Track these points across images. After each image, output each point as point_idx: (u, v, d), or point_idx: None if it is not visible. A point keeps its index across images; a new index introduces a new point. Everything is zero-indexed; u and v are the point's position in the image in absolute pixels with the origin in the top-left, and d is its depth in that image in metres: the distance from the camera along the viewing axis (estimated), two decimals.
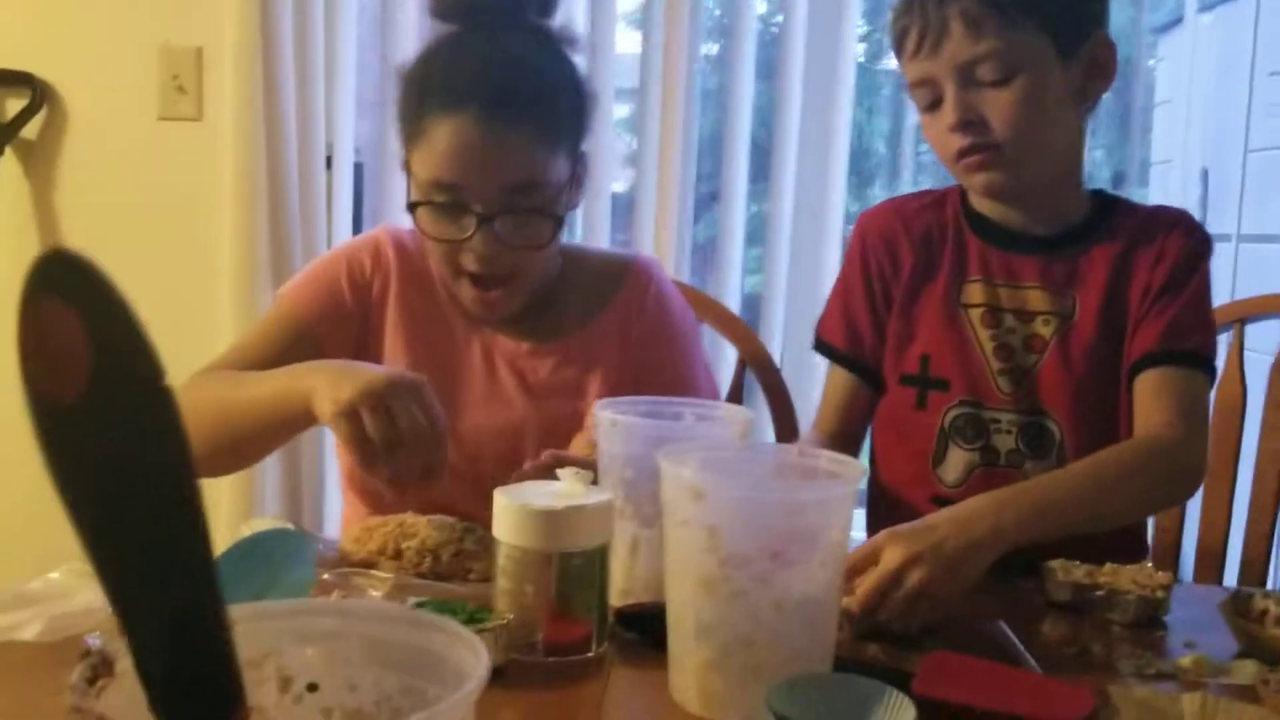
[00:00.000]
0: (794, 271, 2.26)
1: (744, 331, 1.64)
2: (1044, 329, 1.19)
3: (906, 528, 0.94)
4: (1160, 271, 1.17)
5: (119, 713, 0.39)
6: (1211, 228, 2.35)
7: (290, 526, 0.99)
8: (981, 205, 1.24)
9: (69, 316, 0.33)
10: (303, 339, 1.23)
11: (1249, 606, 0.93)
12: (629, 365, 1.27)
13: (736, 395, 1.58)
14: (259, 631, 0.45)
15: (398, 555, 1.01)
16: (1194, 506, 1.58)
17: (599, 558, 0.86)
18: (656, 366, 1.27)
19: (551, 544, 0.84)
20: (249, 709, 0.38)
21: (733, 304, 2.22)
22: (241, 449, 1.18)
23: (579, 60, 1.26)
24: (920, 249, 1.25)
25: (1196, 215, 2.46)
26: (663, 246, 2.16)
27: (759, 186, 2.34)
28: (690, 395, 1.23)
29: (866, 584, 0.90)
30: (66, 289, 0.34)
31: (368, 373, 1.01)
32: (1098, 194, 1.25)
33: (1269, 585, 1.51)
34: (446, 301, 1.28)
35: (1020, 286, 1.21)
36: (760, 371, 1.57)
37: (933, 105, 1.15)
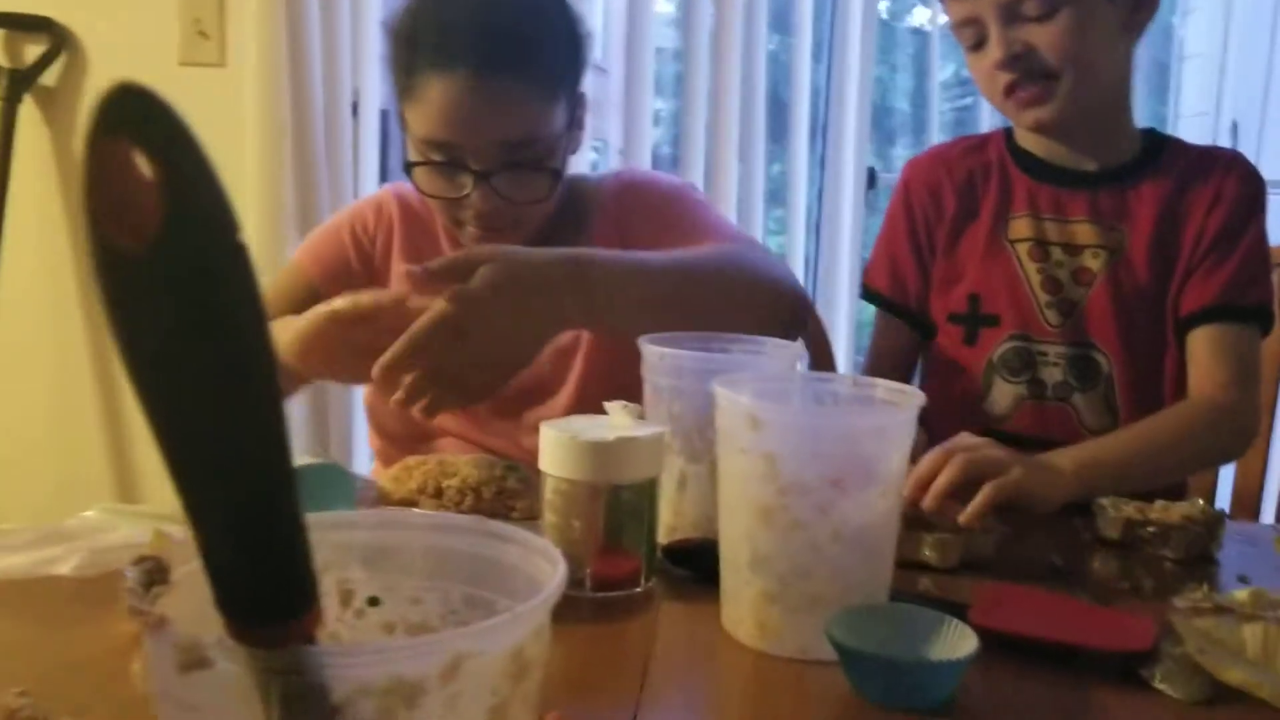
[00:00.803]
0: (818, 230, 2.25)
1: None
2: (1093, 262, 1.19)
3: None
4: (1217, 216, 1.16)
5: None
6: None
7: (333, 461, 0.98)
8: (1028, 142, 1.24)
9: (139, 159, 0.31)
10: (312, 300, 1.20)
11: None
12: (610, 234, 1.23)
13: None
14: (318, 543, 0.42)
15: (438, 494, 0.99)
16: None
17: (649, 491, 0.84)
18: (659, 229, 1.20)
19: (601, 476, 0.82)
20: (321, 612, 0.36)
21: None
22: None
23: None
24: (963, 190, 1.25)
25: None
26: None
27: (778, 146, 2.31)
28: (711, 239, 1.19)
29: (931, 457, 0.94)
30: (138, 130, 0.31)
31: None
32: (1148, 132, 1.24)
33: None
34: (450, 250, 1.26)
35: (1069, 221, 1.20)
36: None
37: (978, 44, 1.15)
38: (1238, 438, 1.15)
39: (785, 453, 0.74)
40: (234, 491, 0.33)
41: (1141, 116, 2.84)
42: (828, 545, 0.74)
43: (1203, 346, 1.14)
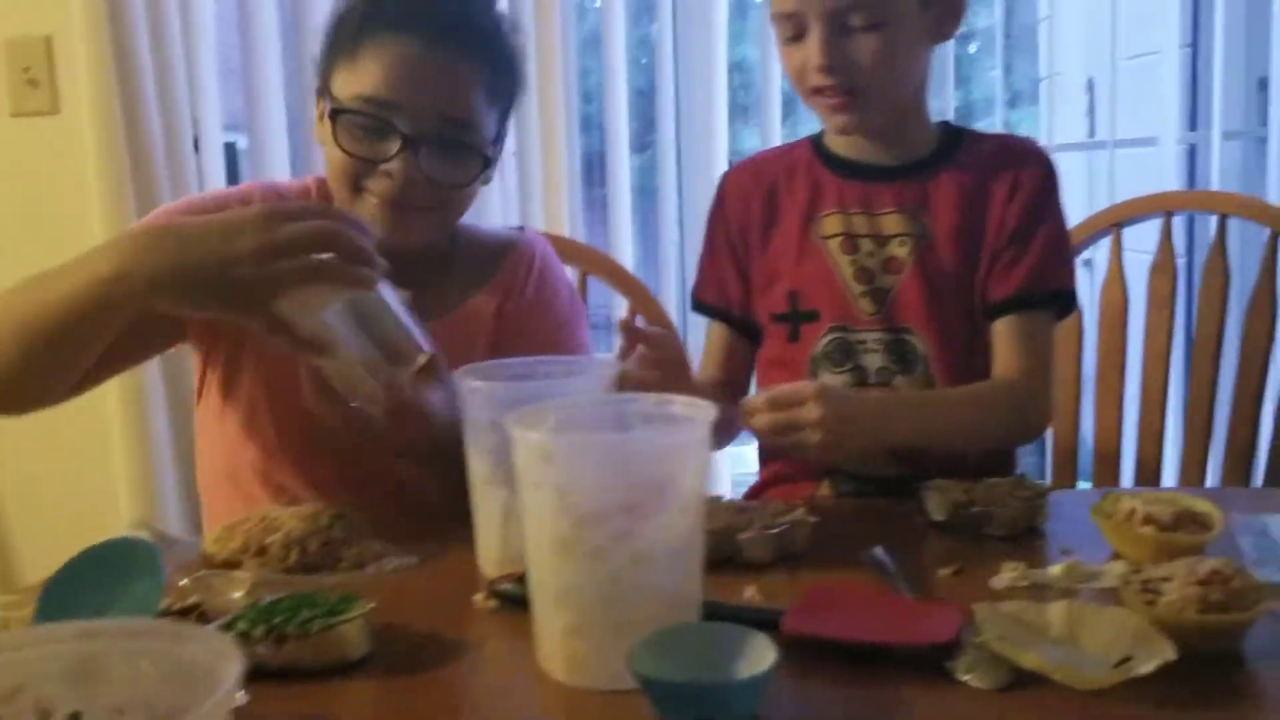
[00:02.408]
0: (686, 221, 2.25)
1: (635, 284, 1.62)
2: (900, 250, 1.22)
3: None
4: (1016, 206, 1.20)
5: None
6: (1098, 136, 2.38)
7: (142, 534, 0.95)
8: (833, 142, 1.28)
9: None
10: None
11: (1117, 507, 0.94)
12: (503, 344, 1.22)
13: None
14: (11, 663, 0.41)
15: (262, 552, 0.97)
16: (1088, 412, 1.60)
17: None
18: (531, 347, 1.19)
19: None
20: None
21: (627, 262, 2.20)
22: (57, 360, 1.02)
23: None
24: (770, 195, 1.28)
25: (1084, 125, 2.50)
26: (554, 207, 2.12)
27: (647, 138, 2.30)
28: None
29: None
30: None
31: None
32: (944, 124, 1.28)
33: (1164, 483, 1.54)
34: None
35: (876, 213, 1.23)
36: (653, 323, 1.55)
37: (796, 37, 1.16)
38: (1030, 422, 1.20)
39: (576, 484, 0.74)
40: None
41: (1012, 79, 2.87)
42: (628, 572, 0.74)
43: (1004, 336, 1.19)
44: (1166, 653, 0.71)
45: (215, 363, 1.22)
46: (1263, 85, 2.19)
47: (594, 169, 2.30)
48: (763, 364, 1.29)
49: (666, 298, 2.22)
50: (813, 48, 1.13)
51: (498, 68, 1.16)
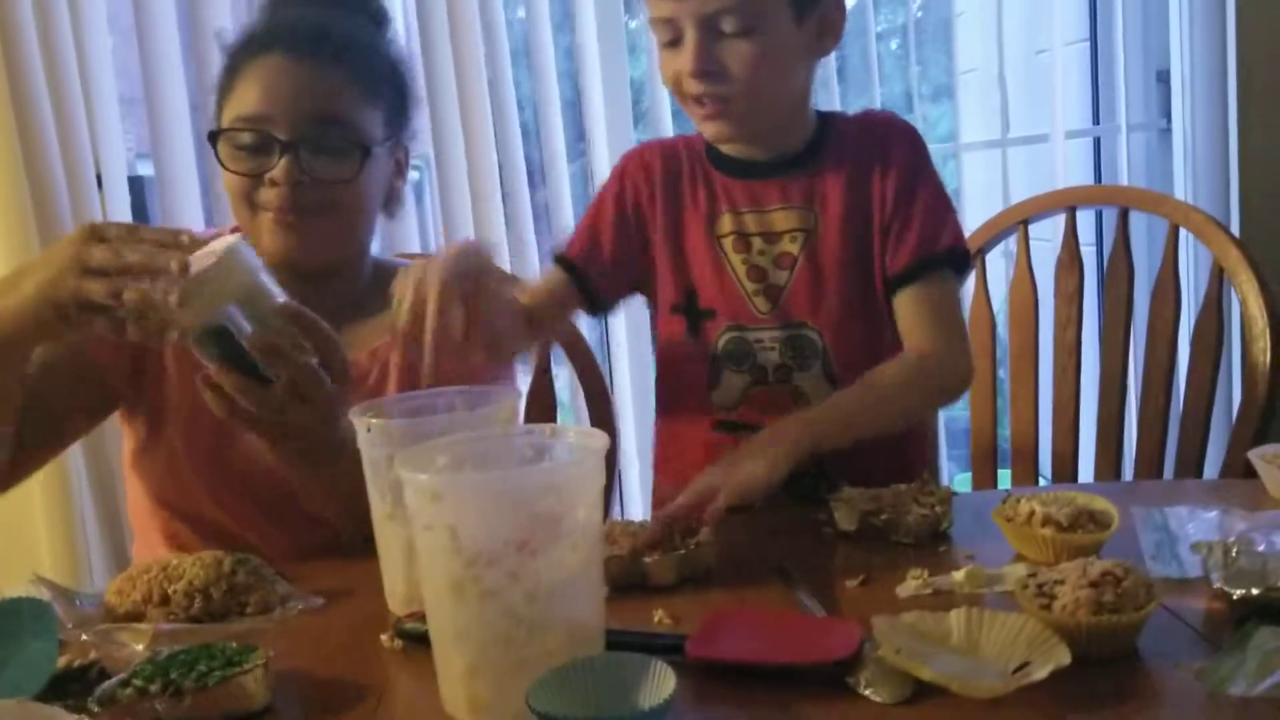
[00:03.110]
0: None
1: None
2: (791, 245, 1.22)
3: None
4: (891, 182, 1.21)
5: None
6: (1012, 132, 2.41)
7: (39, 591, 0.93)
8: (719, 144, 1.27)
9: None
10: (80, 368, 1.19)
11: (1017, 510, 0.95)
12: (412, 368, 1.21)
13: (544, 366, 1.54)
14: None
15: (165, 601, 0.94)
16: (1005, 408, 1.62)
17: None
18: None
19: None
20: None
21: None
22: None
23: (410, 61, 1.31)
24: (674, 185, 1.28)
25: (998, 121, 2.52)
26: (482, 218, 2.10)
27: (578, 147, 2.28)
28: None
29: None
30: None
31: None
32: (817, 114, 1.28)
33: (1081, 476, 1.56)
34: None
35: (765, 210, 1.24)
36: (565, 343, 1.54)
37: (673, 42, 1.17)
38: (952, 380, 1.20)
39: (466, 524, 0.73)
40: None
41: (929, 74, 2.86)
42: (524, 610, 0.73)
43: (907, 308, 1.20)
44: (1061, 657, 0.73)
45: (138, 414, 1.24)
46: (1161, 78, 2.24)
47: (534, 177, 2.29)
48: (661, 356, 1.29)
49: None
50: (687, 52, 1.14)
51: (370, 68, 1.22)
